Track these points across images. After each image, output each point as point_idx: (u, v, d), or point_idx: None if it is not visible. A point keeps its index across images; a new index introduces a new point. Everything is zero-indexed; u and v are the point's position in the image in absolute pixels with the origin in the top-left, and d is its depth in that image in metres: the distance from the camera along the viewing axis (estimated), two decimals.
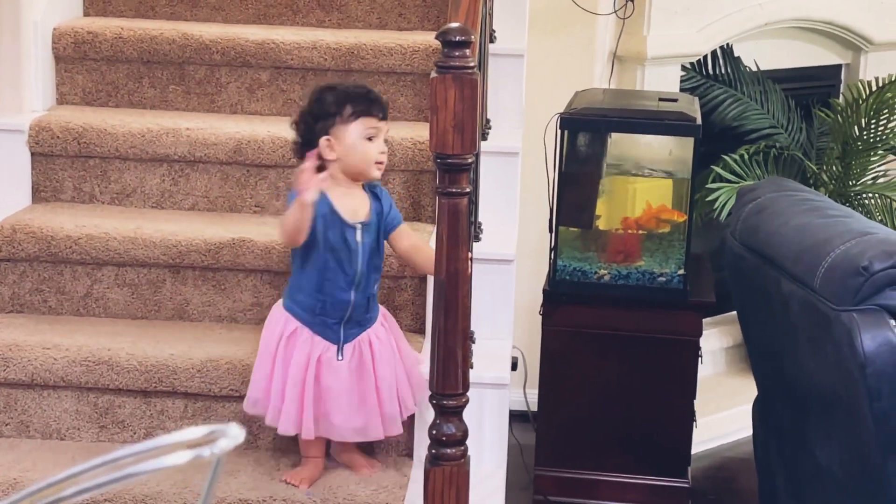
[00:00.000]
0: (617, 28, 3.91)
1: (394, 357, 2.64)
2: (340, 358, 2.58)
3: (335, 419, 2.58)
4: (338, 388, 2.57)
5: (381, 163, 2.58)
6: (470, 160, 2.25)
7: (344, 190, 2.58)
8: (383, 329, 2.65)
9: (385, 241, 2.64)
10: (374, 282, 2.63)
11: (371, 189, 2.63)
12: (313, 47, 3.26)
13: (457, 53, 2.19)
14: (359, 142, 2.56)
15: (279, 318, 2.60)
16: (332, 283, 2.56)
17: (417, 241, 2.68)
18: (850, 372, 2.37)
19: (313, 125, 2.58)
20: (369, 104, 2.57)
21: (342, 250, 2.55)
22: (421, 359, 2.68)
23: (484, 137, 3.04)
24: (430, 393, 2.30)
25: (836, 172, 4.19)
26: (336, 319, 2.58)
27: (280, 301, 2.64)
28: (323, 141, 2.56)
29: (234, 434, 0.94)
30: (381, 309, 2.69)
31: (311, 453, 2.66)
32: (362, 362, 2.60)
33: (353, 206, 2.58)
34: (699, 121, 3.27)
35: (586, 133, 3.37)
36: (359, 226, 2.58)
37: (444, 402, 2.31)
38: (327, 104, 2.57)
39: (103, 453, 2.74)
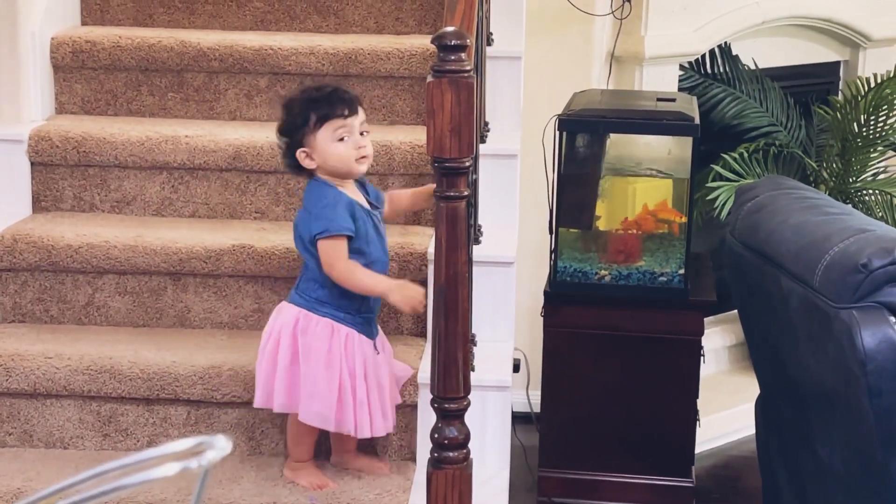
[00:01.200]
0: (614, 28, 3.91)
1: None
2: (378, 352, 2.62)
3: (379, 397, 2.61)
4: (383, 383, 2.61)
5: (363, 157, 2.57)
6: (467, 164, 2.25)
7: (349, 186, 2.60)
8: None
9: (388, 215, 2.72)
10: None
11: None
12: (311, 53, 3.27)
13: (453, 57, 2.19)
14: (330, 146, 2.55)
15: (322, 329, 2.55)
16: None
17: (389, 192, 2.78)
18: (850, 369, 2.37)
19: (288, 139, 2.59)
20: (330, 106, 2.55)
21: (376, 239, 2.59)
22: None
23: (483, 140, 3.05)
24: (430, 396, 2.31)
25: (835, 169, 4.19)
26: (375, 312, 2.63)
27: (306, 315, 2.56)
28: (299, 154, 2.57)
29: (222, 446, 0.94)
30: None
31: (306, 457, 2.66)
32: (386, 352, 2.66)
33: (362, 199, 2.62)
34: (697, 120, 3.27)
35: (585, 134, 3.37)
36: (377, 212, 2.63)
37: (446, 405, 2.32)
38: (293, 117, 2.58)
39: (107, 461, 2.75)
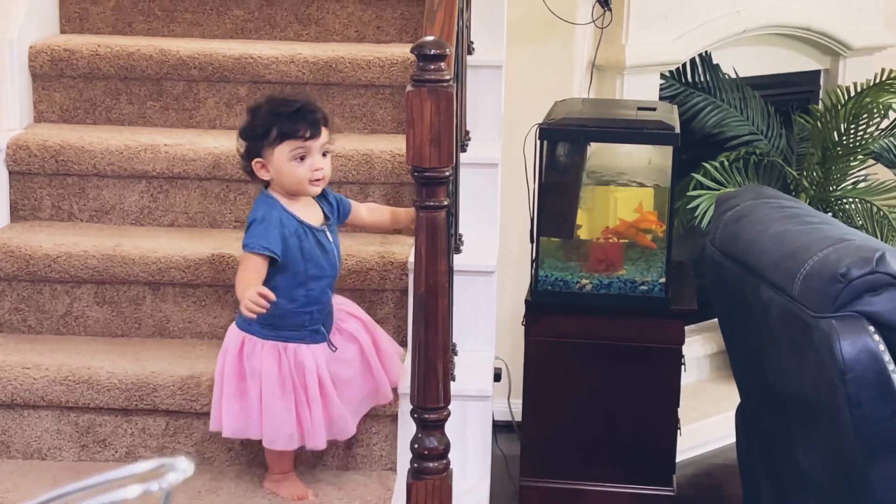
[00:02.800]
0: (595, 37, 3.91)
1: (362, 325, 2.69)
2: (335, 348, 2.60)
3: (347, 395, 2.59)
4: (346, 372, 2.61)
5: (317, 179, 2.55)
6: (447, 173, 2.25)
7: (301, 200, 2.58)
8: (353, 321, 2.69)
9: (349, 224, 2.73)
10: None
11: None
12: (291, 61, 3.26)
13: (432, 66, 2.19)
14: (286, 165, 2.53)
15: (268, 353, 2.53)
16: (316, 291, 2.57)
17: (370, 205, 2.79)
18: (830, 378, 2.37)
19: (246, 146, 2.57)
20: (294, 125, 2.51)
21: (321, 256, 2.56)
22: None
23: (463, 149, 3.05)
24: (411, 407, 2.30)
25: (816, 178, 4.20)
26: (322, 322, 2.60)
27: (250, 339, 2.55)
28: (255, 163, 2.56)
29: (183, 468, 0.93)
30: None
31: (287, 468, 2.65)
32: (342, 331, 2.64)
33: (314, 213, 2.60)
34: (678, 129, 3.27)
35: (565, 143, 3.37)
36: (326, 228, 2.60)
37: (426, 415, 2.31)
38: (256, 126, 2.55)
39: (85, 472, 2.72)
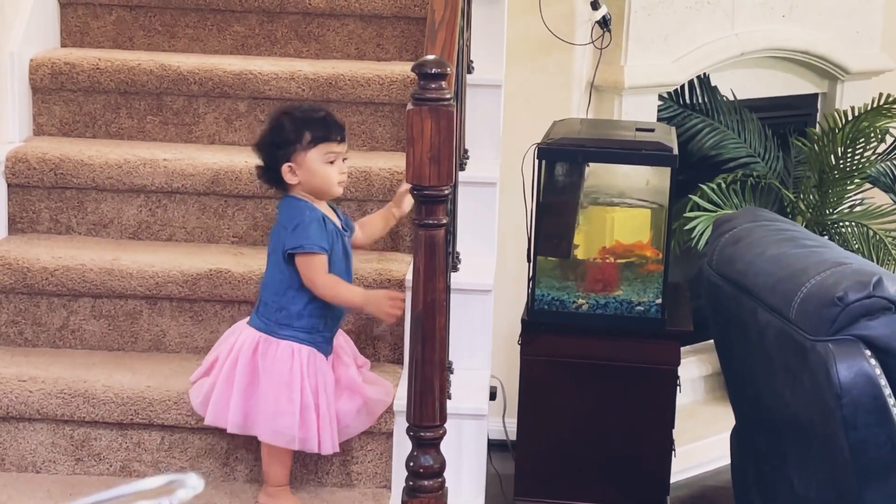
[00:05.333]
0: (594, 58, 3.93)
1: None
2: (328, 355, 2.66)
3: (343, 407, 2.64)
4: (347, 375, 2.66)
5: (342, 182, 2.67)
6: (447, 192, 2.25)
7: (322, 205, 2.67)
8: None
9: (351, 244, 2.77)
10: None
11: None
12: (291, 78, 3.26)
13: (433, 85, 2.20)
14: (319, 167, 2.63)
15: (283, 352, 2.58)
16: None
17: (361, 221, 2.84)
18: (826, 402, 2.37)
19: (275, 151, 2.64)
20: (327, 130, 2.64)
21: (344, 259, 2.66)
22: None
23: (462, 167, 3.05)
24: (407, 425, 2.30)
25: (813, 201, 4.21)
26: (333, 331, 2.66)
27: (266, 339, 2.60)
28: (285, 168, 2.63)
29: (193, 484, 0.93)
30: None
31: (283, 480, 2.66)
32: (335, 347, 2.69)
33: (336, 219, 2.69)
34: (675, 151, 3.28)
35: (564, 163, 3.38)
36: (347, 232, 2.69)
37: (422, 433, 2.31)
38: (286, 131, 2.64)
39: (79, 486, 2.71)
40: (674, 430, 3.39)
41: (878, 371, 2.35)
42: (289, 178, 2.63)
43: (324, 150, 2.62)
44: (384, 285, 2.87)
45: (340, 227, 2.68)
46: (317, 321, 2.61)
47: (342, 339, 2.73)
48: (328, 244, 2.60)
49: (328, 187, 2.64)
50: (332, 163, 2.63)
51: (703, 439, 4.09)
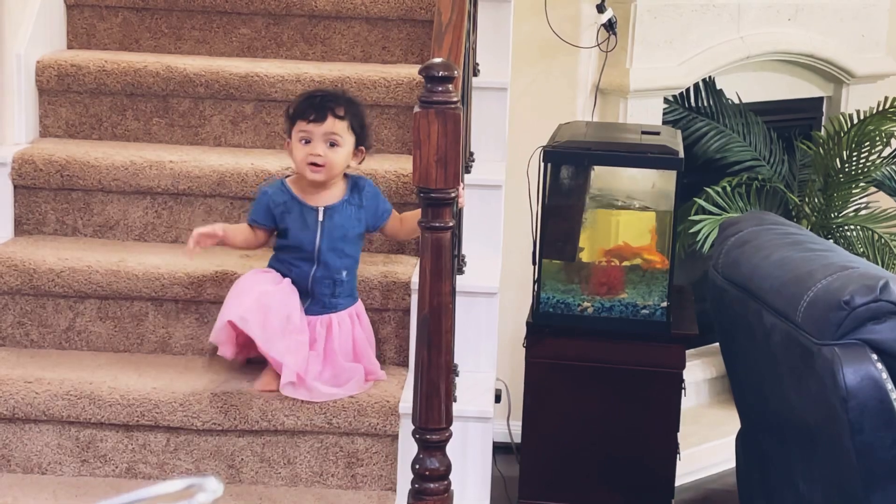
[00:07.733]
0: (600, 61, 3.93)
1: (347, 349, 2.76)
2: (301, 318, 2.71)
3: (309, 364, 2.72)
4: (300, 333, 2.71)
5: (312, 164, 2.71)
6: (453, 194, 2.26)
7: (317, 186, 2.74)
8: (349, 323, 2.76)
9: (377, 232, 2.86)
10: (343, 268, 2.75)
11: (355, 181, 2.80)
12: (297, 80, 3.27)
13: (440, 88, 2.20)
14: (294, 145, 2.74)
15: (266, 272, 2.76)
16: (294, 257, 2.74)
17: (402, 216, 2.86)
18: (832, 406, 2.37)
19: (287, 128, 2.79)
20: (304, 108, 2.72)
21: (301, 230, 2.72)
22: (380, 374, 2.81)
23: (468, 170, 3.05)
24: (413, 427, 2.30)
25: (818, 204, 4.21)
26: (301, 288, 2.74)
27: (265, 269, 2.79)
28: (285, 143, 2.78)
29: (213, 488, 0.93)
30: (356, 309, 2.79)
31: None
32: (315, 339, 2.73)
33: (320, 194, 2.75)
34: (681, 154, 3.28)
35: (569, 166, 3.38)
36: (320, 209, 2.71)
37: (428, 436, 2.31)
38: (289, 108, 2.78)
39: (85, 487, 2.71)
40: (679, 434, 3.39)
41: (885, 375, 2.35)
42: (289, 153, 2.76)
43: (297, 129, 2.71)
44: (390, 287, 2.88)
45: (333, 202, 2.73)
46: (285, 269, 2.75)
47: (347, 340, 2.76)
48: (269, 220, 2.74)
49: (299, 168, 2.73)
50: (308, 143, 2.70)
51: (708, 443, 4.08)
